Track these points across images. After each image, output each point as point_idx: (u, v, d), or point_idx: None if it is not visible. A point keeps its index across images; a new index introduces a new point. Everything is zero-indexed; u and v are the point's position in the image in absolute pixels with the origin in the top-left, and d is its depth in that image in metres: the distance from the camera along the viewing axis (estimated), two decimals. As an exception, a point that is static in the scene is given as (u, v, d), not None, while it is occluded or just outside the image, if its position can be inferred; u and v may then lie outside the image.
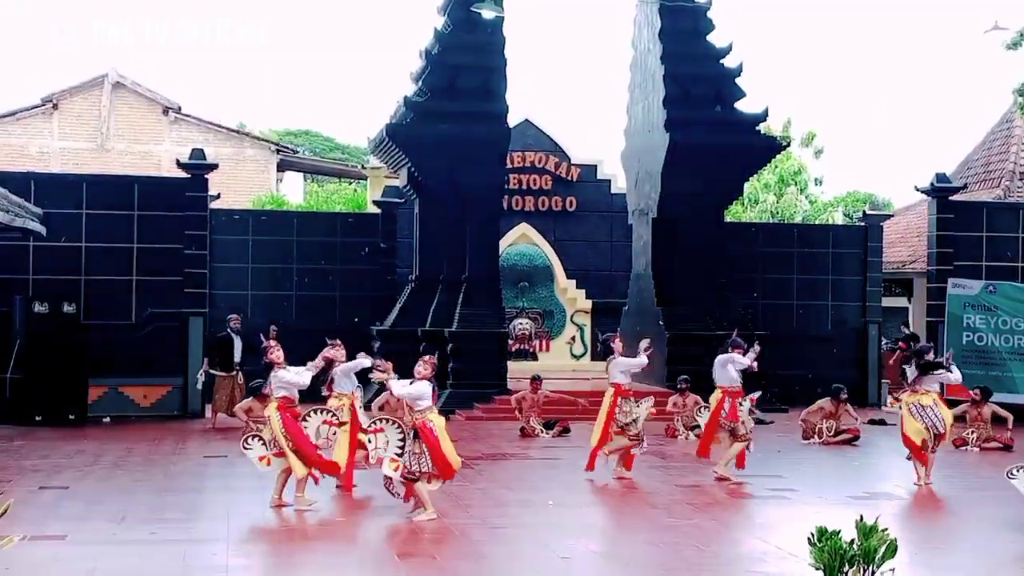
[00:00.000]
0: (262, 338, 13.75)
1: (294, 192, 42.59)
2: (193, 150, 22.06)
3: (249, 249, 23.49)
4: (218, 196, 23.58)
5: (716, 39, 22.99)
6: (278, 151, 37.00)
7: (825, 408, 18.05)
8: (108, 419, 19.73)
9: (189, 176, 21.26)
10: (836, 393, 17.97)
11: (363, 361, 12.68)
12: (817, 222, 36.77)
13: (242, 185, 34.32)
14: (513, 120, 23.43)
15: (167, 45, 79.24)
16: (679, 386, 18.61)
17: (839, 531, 7.34)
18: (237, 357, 19.48)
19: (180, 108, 35.42)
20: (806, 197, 40.08)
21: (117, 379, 20.19)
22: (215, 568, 9.31)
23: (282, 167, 37.95)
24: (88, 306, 20.09)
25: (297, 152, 41.85)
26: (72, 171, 29.51)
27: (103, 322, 20.13)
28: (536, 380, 18.78)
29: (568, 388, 20.10)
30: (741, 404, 13.79)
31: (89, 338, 19.72)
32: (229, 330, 19.69)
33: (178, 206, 20.84)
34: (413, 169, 22.19)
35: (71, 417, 19.23)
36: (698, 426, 18.23)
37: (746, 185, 25.80)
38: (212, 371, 19.54)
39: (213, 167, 21.73)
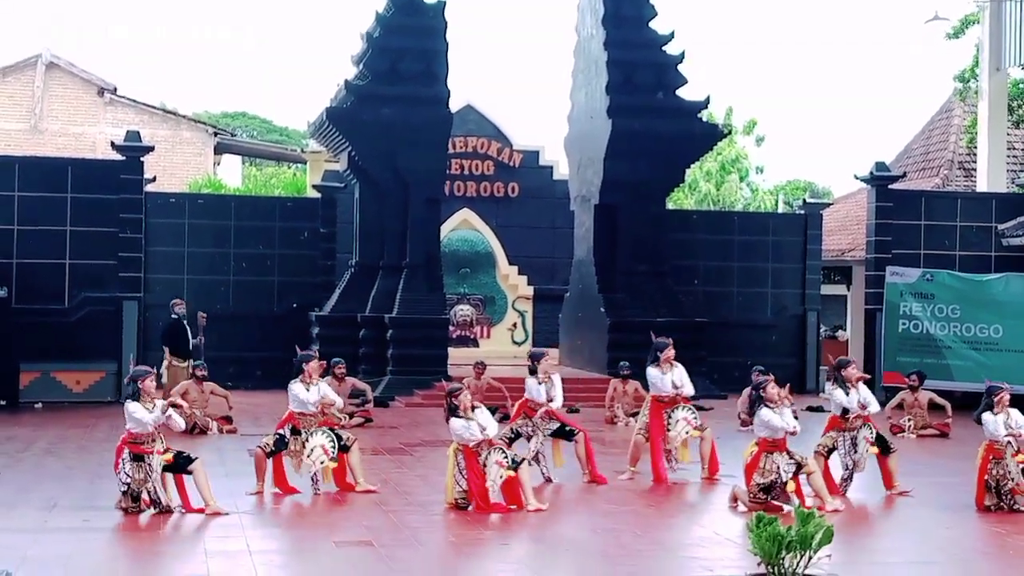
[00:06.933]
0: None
1: (232, 175, 42.06)
2: (128, 132, 21.72)
3: (185, 233, 23.13)
4: (154, 179, 23.22)
5: (659, 26, 23.01)
6: (215, 134, 36.52)
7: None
8: (40, 405, 19.37)
9: (124, 158, 20.94)
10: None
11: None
12: (755, 210, 36.98)
13: (179, 168, 33.84)
14: (455, 105, 23.29)
15: (102, 25, 78.15)
16: (621, 372, 18.60)
17: (777, 517, 7.35)
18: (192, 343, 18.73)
19: (116, 89, 34.83)
20: (747, 185, 40.31)
21: (49, 364, 19.84)
22: (148, 554, 9.17)
23: (220, 150, 37.46)
24: (20, 290, 19.71)
25: (235, 135, 41.34)
26: (5, 153, 28.92)
27: (35, 306, 19.78)
28: (480, 366, 18.72)
29: (510, 375, 20.00)
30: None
31: (21, 322, 19.35)
32: (174, 315, 19.05)
33: (113, 189, 20.53)
34: (354, 153, 21.99)
35: (2, 403, 18.90)
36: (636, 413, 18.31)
37: (687, 172, 25.84)
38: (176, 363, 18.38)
39: (149, 149, 21.41)
